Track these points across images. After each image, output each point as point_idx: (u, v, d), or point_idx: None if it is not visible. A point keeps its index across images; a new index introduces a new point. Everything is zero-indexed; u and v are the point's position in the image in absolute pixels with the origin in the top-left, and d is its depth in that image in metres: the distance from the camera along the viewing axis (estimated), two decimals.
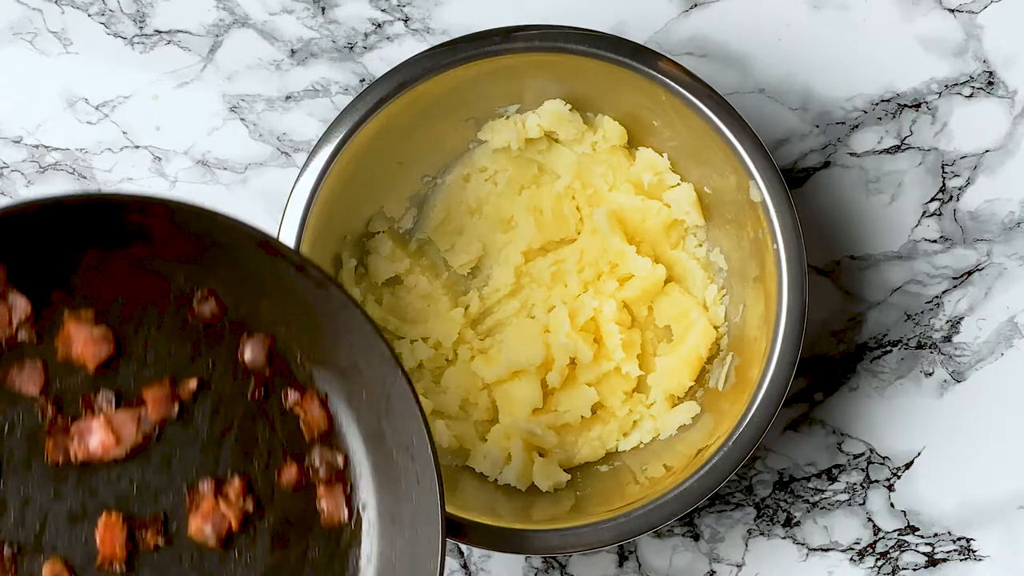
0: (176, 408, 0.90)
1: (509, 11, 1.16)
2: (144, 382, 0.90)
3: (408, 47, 1.18)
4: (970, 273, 1.18)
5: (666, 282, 1.13)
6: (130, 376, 0.90)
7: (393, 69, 1.07)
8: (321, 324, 0.91)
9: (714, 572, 1.16)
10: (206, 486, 0.89)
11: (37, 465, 0.88)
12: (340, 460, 0.92)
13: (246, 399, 0.91)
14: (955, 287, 1.18)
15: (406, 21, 1.18)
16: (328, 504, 0.92)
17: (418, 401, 0.91)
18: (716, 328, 1.13)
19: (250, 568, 0.90)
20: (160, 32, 1.18)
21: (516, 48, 1.07)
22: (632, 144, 1.14)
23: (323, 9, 1.18)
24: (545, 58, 1.08)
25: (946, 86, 1.19)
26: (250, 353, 0.91)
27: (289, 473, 0.91)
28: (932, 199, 1.18)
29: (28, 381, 0.88)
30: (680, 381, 1.12)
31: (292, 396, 0.92)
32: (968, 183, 1.18)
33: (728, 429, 1.05)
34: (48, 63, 1.18)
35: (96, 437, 0.88)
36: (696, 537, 1.16)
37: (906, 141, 1.18)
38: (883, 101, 1.18)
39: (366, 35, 1.18)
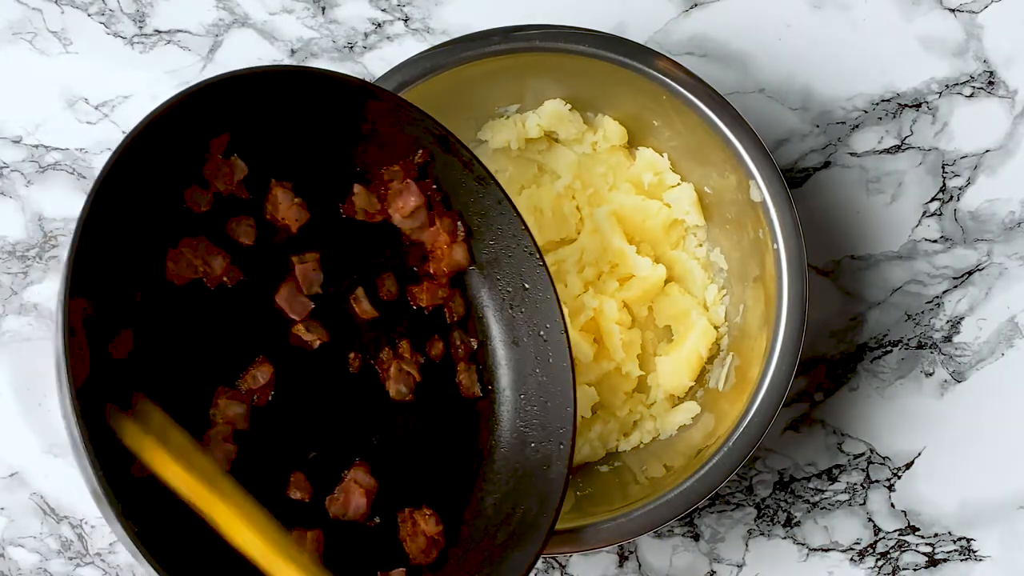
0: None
1: (509, 11, 1.16)
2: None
3: (408, 47, 1.18)
4: (970, 273, 1.18)
5: (666, 282, 1.13)
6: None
7: (393, 69, 1.07)
8: (469, 221, 1.02)
9: (714, 572, 1.16)
10: (386, 353, 1.01)
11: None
12: (474, 343, 1.04)
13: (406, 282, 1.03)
14: (955, 287, 1.18)
15: (406, 21, 1.18)
16: (465, 379, 1.03)
17: (555, 289, 1.02)
18: (716, 328, 1.12)
19: (418, 420, 1.02)
20: (160, 32, 1.18)
21: (516, 48, 1.07)
22: (632, 144, 1.14)
23: (323, 9, 1.18)
24: (545, 58, 1.08)
25: (946, 86, 1.19)
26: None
27: (437, 348, 1.03)
28: (932, 199, 1.18)
29: (244, 234, 0.98)
30: (680, 381, 1.12)
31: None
32: (968, 183, 1.18)
33: (728, 429, 1.05)
34: (48, 63, 1.18)
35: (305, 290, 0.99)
36: (696, 537, 1.16)
37: (906, 141, 1.18)
38: (883, 101, 1.18)
39: (366, 35, 1.18)
